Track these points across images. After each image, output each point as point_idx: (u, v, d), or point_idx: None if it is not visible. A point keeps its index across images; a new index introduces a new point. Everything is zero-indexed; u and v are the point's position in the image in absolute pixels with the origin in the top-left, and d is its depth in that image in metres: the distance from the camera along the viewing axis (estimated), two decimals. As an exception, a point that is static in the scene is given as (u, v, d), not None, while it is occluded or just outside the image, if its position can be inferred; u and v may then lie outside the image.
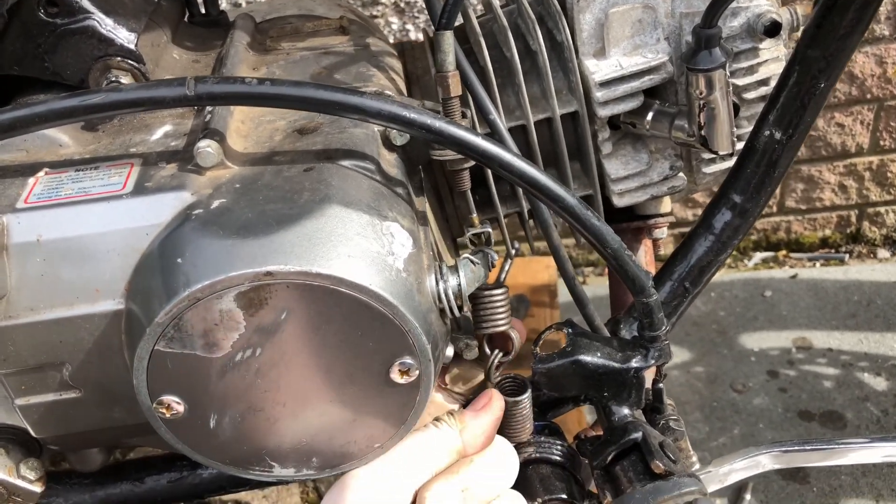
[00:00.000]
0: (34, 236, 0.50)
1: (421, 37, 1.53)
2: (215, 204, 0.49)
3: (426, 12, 1.53)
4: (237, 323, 0.47)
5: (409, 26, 1.53)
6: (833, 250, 1.87)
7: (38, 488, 0.56)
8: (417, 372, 0.51)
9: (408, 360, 0.50)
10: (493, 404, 0.58)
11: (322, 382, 0.50)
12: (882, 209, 1.83)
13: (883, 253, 1.86)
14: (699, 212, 1.81)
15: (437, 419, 0.57)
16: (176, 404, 0.49)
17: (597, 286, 1.84)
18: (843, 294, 1.75)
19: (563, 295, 1.72)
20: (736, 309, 1.75)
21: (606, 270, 1.86)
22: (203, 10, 0.74)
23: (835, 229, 1.86)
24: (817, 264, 1.85)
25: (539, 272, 1.58)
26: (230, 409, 0.50)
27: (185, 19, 0.73)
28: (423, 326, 0.50)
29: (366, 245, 0.49)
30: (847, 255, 1.86)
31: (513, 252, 0.66)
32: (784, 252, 1.88)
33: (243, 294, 0.46)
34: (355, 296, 0.47)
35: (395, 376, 0.50)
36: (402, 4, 1.51)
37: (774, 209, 1.83)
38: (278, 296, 0.47)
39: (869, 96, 1.64)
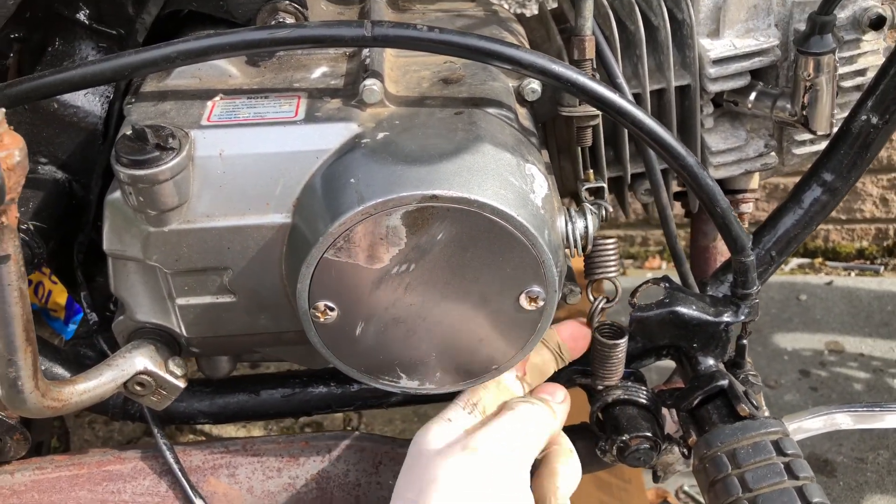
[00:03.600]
0: (217, 151, 0.56)
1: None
2: (380, 135, 0.55)
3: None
4: (400, 239, 0.53)
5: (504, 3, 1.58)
6: (869, 262, 1.92)
7: (182, 384, 0.63)
8: (543, 301, 0.57)
9: (537, 288, 0.56)
10: (568, 399, 0.64)
11: (460, 301, 0.56)
12: (920, 225, 1.87)
13: (917, 268, 1.90)
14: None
15: (535, 399, 0.61)
16: (330, 310, 0.55)
17: (636, 277, 1.89)
18: (876, 303, 1.79)
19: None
20: (771, 310, 1.80)
21: (653, 261, 1.90)
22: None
23: (872, 241, 1.91)
24: (852, 274, 1.90)
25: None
26: (376, 318, 0.56)
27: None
28: (554, 259, 0.56)
29: (513, 181, 0.55)
30: (882, 268, 1.91)
31: (610, 209, 0.71)
32: (820, 259, 1.93)
33: (409, 213, 0.52)
34: (503, 224, 0.53)
35: (524, 302, 0.56)
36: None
37: (815, 217, 1.87)
38: (437, 217, 0.52)
39: (919, 113, 1.68)
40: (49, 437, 1.04)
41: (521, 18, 0.78)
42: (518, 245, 0.54)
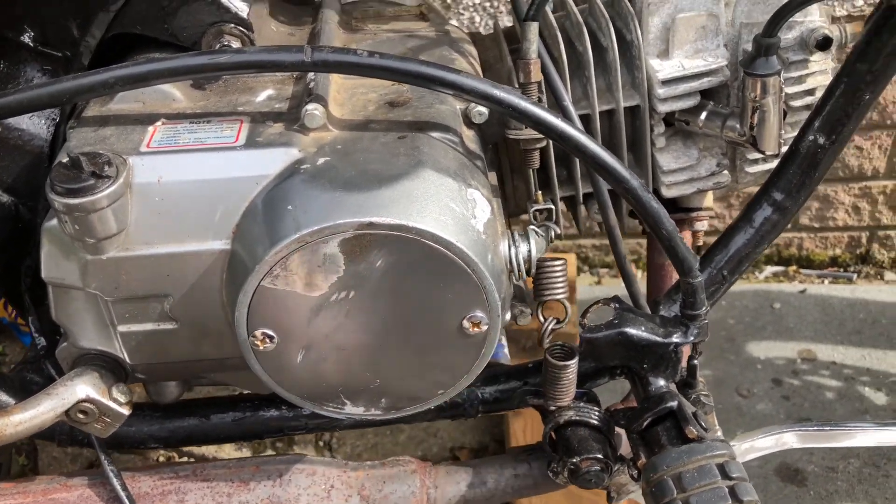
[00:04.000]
0: (155, 177, 0.55)
1: (475, 29, 1.59)
2: (321, 161, 0.55)
3: (469, 9, 1.59)
4: (337, 267, 0.53)
5: (453, 22, 1.59)
6: (842, 269, 1.93)
7: (126, 411, 0.62)
8: (486, 325, 0.56)
9: (479, 313, 0.56)
10: None
11: (402, 327, 0.56)
12: (892, 233, 1.88)
13: (890, 275, 1.91)
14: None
15: None
16: (269, 338, 0.55)
17: (611, 287, 1.89)
18: (849, 311, 1.80)
19: (580, 293, 1.77)
20: (745, 318, 1.80)
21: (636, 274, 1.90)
22: (291, -11, 0.80)
23: (845, 249, 1.92)
24: (826, 281, 1.91)
25: (560, 267, 1.63)
26: (317, 346, 0.56)
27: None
28: (496, 284, 0.56)
29: (453, 207, 0.54)
30: (855, 275, 1.92)
31: (559, 231, 0.71)
32: (794, 267, 1.94)
33: (347, 241, 0.52)
34: (442, 251, 0.53)
35: (468, 327, 0.56)
36: (449, 0, 1.56)
37: (789, 225, 1.88)
38: (376, 245, 0.52)
39: (889, 122, 1.70)
40: (9, 458, 1.03)
41: (475, 38, 0.78)
42: (459, 271, 0.54)
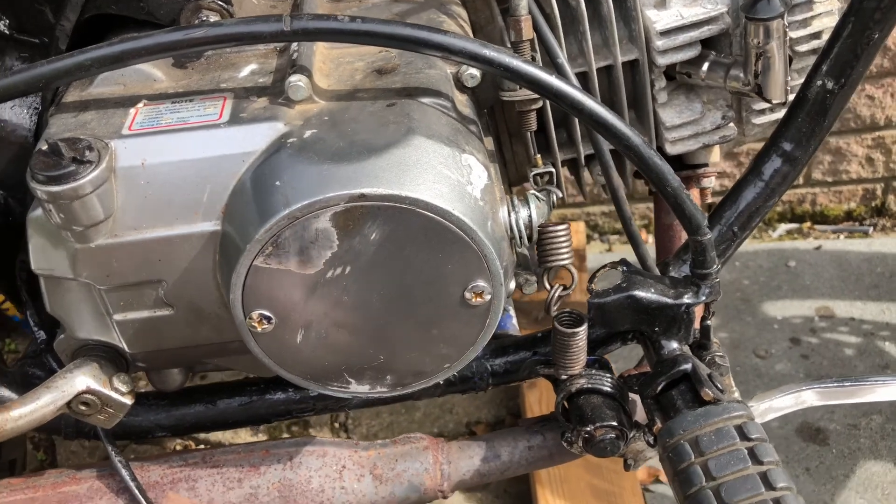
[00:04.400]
0: (139, 160, 0.54)
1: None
2: (308, 133, 0.53)
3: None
4: (331, 242, 0.51)
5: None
6: (857, 223, 1.89)
7: (128, 400, 0.61)
8: (489, 295, 0.55)
9: (481, 282, 0.54)
10: None
11: (402, 301, 0.54)
12: (908, 183, 1.84)
13: (907, 227, 1.87)
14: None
15: None
16: (266, 319, 0.54)
17: (622, 253, 1.87)
18: (866, 266, 1.77)
19: (590, 261, 1.75)
20: (760, 278, 1.78)
21: (648, 240, 1.88)
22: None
23: (860, 202, 1.88)
24: (841, 236, 1.88)
25: (569, 236, 1.61)
26: (316, 324, 0.54)
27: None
28: (497, 252, 0.54)
29: (448, 174, 0.52)
30: (871, 228, 1.88)
31: (560, 195, 0.69)
32: (809, 224, 1.91)
33: (338, 214, 0.50)
34: (439, 220, 0.51)
35: (470, 297, 0.54)
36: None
37: (801, 181, 1.84)
38: (369, 217, 0.50)
39: (900, 69, 1.65)
40: (23, 454, 1.03)
41: (465, 0, 0.75)
42: (457, 240, 0.52)
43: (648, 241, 1.93)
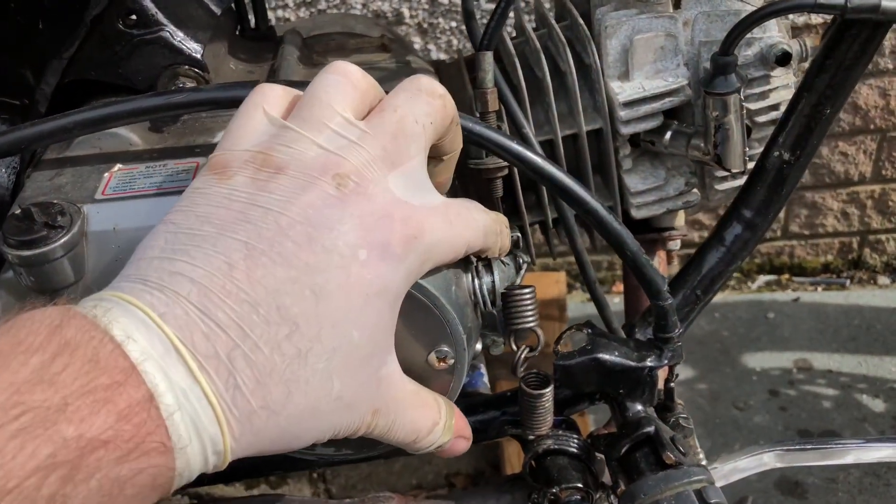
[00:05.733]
0: (111, 225, 0.55)
1: (443, 56, 1.59)
2: (276, 200, 0.54)
3: (447, 33, 1.60)
4: (295, 307, 0.52)
5: (431, 46, 1.59)
6: (835, 275, 1.92)
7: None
8: (453, 360, 0.55)
9: (445, 347, 0.55)
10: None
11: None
12: (883, 237, 1.88)
13: (883, 279, 1.90)
14: (705, 233, 1.86)
15: None
16: (233, 382, 0.54)
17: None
18: (843, 318, 1.79)
19: (571, 310, 1.76)
20: (739, 329, 1.80)
21: (620, 286, 1.90)
22: (253, 25, 0.80)
23: (837, 255, 1.91)
24: (819, 288, 1.90)
25: (549, 286, 1.63)
26: (282, 387, 0.55)
27: (237, 33, 0.79)
28: (460, 318, 0.55)
29: (412, 242, 0.54)
30: (848, 281, 1.91)
31: (527, 259, 0.71)
32: (787, 276, 1.93)
33: (302, 281, 0.51)
34: (403, 287, 0.52)
35: (434, 362, 0.55)
36: (425, 25, 1.57)
37: (779, 233, 1.88)
38: (333, 284, 0.51)
39: (872, 127, 1.70)
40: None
41: (438, 67, 0.78)
42: (421, 307, 0.53)
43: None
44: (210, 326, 0.37)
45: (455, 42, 1.59)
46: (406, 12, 1.55)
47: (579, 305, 1.88)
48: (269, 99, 0.46)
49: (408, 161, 0.43)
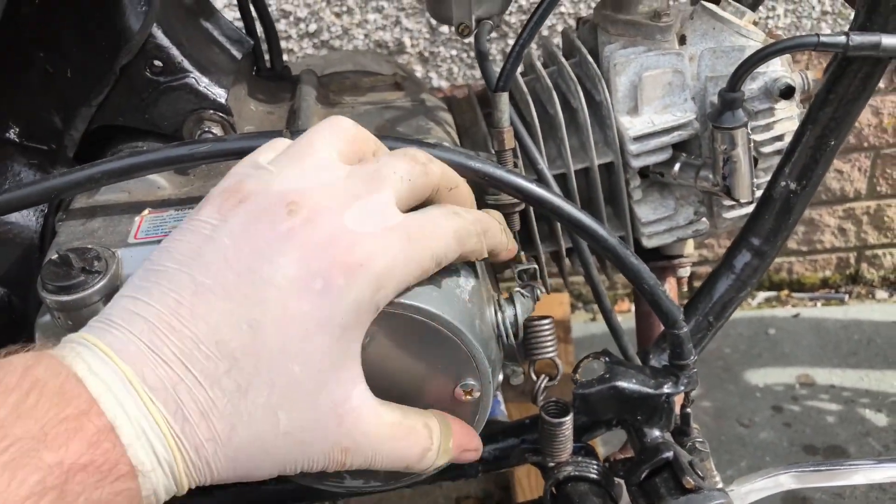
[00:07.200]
0: (144, 268, 0.56)
1: (444, 83, 1.62)
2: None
3: (447, 62, 1.62)
4: (327, 346, 0.53)
5: (432, 74, 1.62)
6: (833, 291, 1.95)
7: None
8: (479, 392, 0.57)
9: (470, 381, 0.56)
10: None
11: (394, 398, 0.56)
12: (880, 252, 1.90)
13: (881, 294, 1.93)
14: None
15: None
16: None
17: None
18: (843, 333, 1.81)
19: (575, 331, 1.78)
20: (741, 346, 1.81)
21: (622, 305, 1.92)
22: (269, 65, 0.82)
23: (835, 270, 1.94)
24: (818, 304, 1.92)
25: (554, 308, 1.64)
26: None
27: (254, 73, 0.81)
28: (485, 351, 0.56)
29: (438, 279, 0.55)
30: (847, 296, 1.93)
31: (544, 290, 0.73)
32: (786, 292, 1.95)
33: (334, 320, 0.52)
34: (430, 323, 0.54)
35: (460, 395, 0.57)
36: (426, 54, 1.60)
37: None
38: (363, 322, 0.53)
39: (866, 144, 1.73)
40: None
41: (450, 102, 0.80)
42: (447, 341, 0.55)
43: (631, 309, 1.98)
44: (157, 362, 0.39)
45: (455, 70, 1.62)
46: (407, 42, 1.57)
47: (582, 325, 1.89)
48: (264, 149, 0.48)
49: (371, 195, 0.43)
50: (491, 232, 0.52)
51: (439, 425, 0.52)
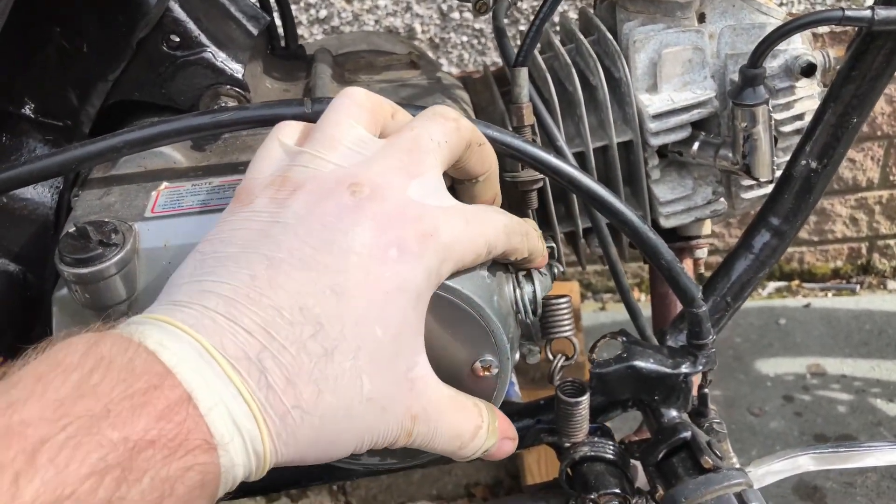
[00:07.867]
0: (161, 242, 0.56)
1: (454, 69, 1.61)
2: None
3: (458, 48, 1.62)
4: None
5: (443, 60, 1.61)
6: (844, 281, 1.94)
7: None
8: (497, 369, 0.57)
9: (489, 357, 0.56)
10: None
11: (413, 376, 0.56)
12: (891, 242, 1.89)
13: (892, 284, 1.92)
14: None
15: None
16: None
17: (615, 312, 1.90)
18: (854, 323, 1.81)
19: (584, 319, 1.77)
20: (751, 336, 1.81)
21: (641, 299, 1.92)
22: (283, 44, 0.81)
23: (846, 260, 1.92)
24: (829, 294, 1.91)
25: (564, 296, 1.64)
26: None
27: (269, 52, 0.80)
28: (504, 327, 0.56)
29: (457, 253, 0.55)
30: (858, 286, 1.92)
31: (562, 269, 0.72)
32: (797, 282, 1.94)
33: (353, 294, 0.52)
34: (450, 298, 0.53)
35: (478, 371, 0.56)
36: (437, 40, 1.59)
37: (788, 240, 1.89)
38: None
39: (879, 133, 1.71)
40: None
41: (466, 82, 0.79)
42: (466, 317, 0.54)
43: (641, 299, 1.97)
44: (238, 332, 0.38)
45: (466, 56, 1.61)
46: (418, 28, 1.57)
47: (592, 314, 1.89)
48: (285, 131, 0.48)
49: (424, 172, 0.44)
50: (531, 235, 0.54)
51: (486, 407, 0.52)
